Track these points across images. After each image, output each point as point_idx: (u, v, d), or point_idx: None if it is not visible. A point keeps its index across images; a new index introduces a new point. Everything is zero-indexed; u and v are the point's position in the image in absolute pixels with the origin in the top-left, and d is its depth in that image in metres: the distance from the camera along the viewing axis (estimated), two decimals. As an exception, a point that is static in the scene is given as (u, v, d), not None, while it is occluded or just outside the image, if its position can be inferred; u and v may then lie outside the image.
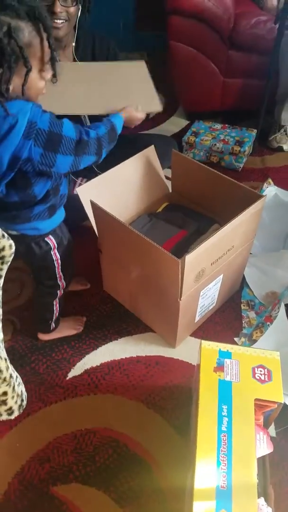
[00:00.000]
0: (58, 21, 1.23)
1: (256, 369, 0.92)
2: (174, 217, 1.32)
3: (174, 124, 2.20)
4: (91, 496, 0.97)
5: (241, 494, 0.75)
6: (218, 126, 2.00)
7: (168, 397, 1.14)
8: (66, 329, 1.28)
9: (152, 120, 2.20)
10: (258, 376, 0.91)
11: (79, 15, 1.30)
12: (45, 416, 1.11)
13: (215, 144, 1.88)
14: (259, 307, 1.36)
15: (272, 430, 1.09)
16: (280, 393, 0.87)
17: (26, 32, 0.70)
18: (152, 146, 1.28)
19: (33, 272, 1.13)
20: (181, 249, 1.26)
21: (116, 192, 1.24)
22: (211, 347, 0.96)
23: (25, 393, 1.03)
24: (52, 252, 1.03)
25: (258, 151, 2.02)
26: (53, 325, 1.22)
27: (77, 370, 1.20)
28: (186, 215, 1.34)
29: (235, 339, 1.28)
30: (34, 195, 0.90)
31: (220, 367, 0.92)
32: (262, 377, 0.91)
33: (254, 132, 1.94)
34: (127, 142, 1.53)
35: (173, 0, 1.77)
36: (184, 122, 2.21)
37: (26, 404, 1.06)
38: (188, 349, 1.25)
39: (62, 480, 1.00)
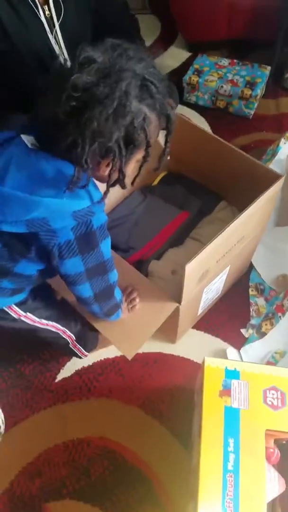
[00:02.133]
0: None
1: (268, 392, 0.80)
2: (173, 193, 1.12)
3: (173, 57, 1.86)
4: (86, 513, 0.92)
5: None
6: (225, 62, 1.68)
7: (168, 401, 1.05)
8: (107, 341, 1.08)
9: (148, 49, 1.88)
10: (270, 400, 0.79)
11: None
12: (34, 425, 1.02)
13: (222, 86, 1.59)
14: (269, 292, 1.21)
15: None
16: (295, 423, 0.76)
17: (153, 125, 0.61)
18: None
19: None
20: (183, 234, 1.08)
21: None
22: (216, 366, 0.83)
23: (2, 417, 0.93)
24: (16, 316, 0.79)
25: (272, 92, 1.72)
26: (86, 354, 1.05)
27: (66, 371, 1.09)
28: (187, 189, 1.13)
29: (242, 330, 1.15)
30: (12, 268, 0.68)
31: (226, 391, 0.80)
32: (275, 402, 0.79)
33: (267, 70, 1.63)
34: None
35: None
36: (184, 54, 1.87)
37: (4, 427, 0.97)
38: (189, 344, 1.13)
39: (54, 496, 0.94)
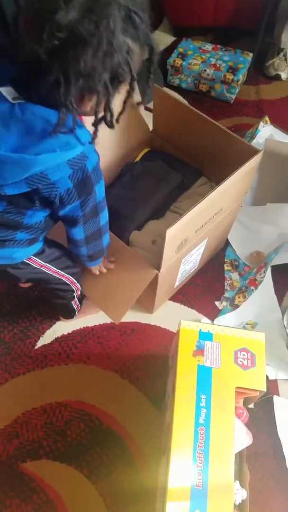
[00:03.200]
0: None
1: (238, 353, 0.85)
2: (154, 169, 1.15)
3: (158, 41, 1.87)
4: (62, 472, 0.95)
5: (217, 494, 0.71)
6: (209, 46, 1.71)
7: (144, 367, 1.09)
8: (89, 310, 1.15)
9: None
10: (240, 361, 0.84)
11: None
12: (13, 389, 1.04)
13: (205, 70, 1.62)
14: (243, 267, 1.27)
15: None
16: (263, 380, 0.81)
17: (136, 57, 0.59)
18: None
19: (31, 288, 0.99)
20: (164, 207, 1.11)
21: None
22: (191, 328, 0.87)
23: None
24: (39, 267, 0.84)
25: (253, 79, 1.77)
26: (76, 314, 1.10)
27: (46, 338, 1.12)
28: (168, 164, 1.16)
29: (216, 303, 1.20)
30: (21, 220, 0.70)
31: (199, 351, 0.84)
32: (245, 362, 0.83)
33: (249, 57, 1.68)
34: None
35: None
36: (169, 39, 1.89)
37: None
38: (166, 315, 1.17)
39: (32, 456, 0.96)
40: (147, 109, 1.16)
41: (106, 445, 0.98)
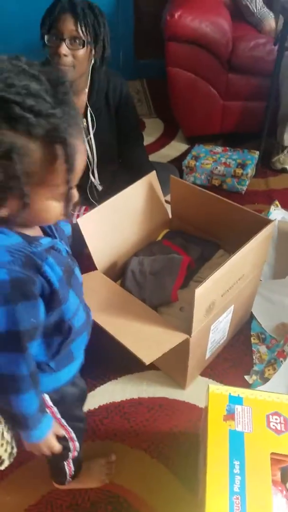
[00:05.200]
0: (64, 65, 1.16)
1: (271, 417, 0.82)
2: (175, 246, 1.25)
3: (174, 149, 2.15)
4: None
5: None
6: (219, 149, 1.95)
7: (173, 445, 1.04)
8: (89, 480, 0.97)
9: (153, 144, 2.18)
10: (273, 425, 0.81)
11: (92, 60, 1.24)
12: (39, 466, 1.00)
13: (217, 168, 1.82)
14: (270, 340, 1.27)
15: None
16: (299, 445, 0.77)
17: (34, 157, 0.48)
18: (154, 172, 1.22)
19: None
20: (187, 278, 1.18)
21: (116, 221, 1.16)
22: (220, 392, 0.86)
23: (15, 440, 0.93)
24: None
25: (261, 173, 1.96)
26: (69, 480, 0.94)
27: (73, 414, 1.10)
28: (187, 240, 1.26)
29: (246, 377, 1.18)
30: None
31: (230, 415, 0.82)
32: (278, 427, 0.81)
33: (256, 154, 1.89)
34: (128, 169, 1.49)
35: (170, 27, 1.75)
36: (184, 147, 2.16)
37: (16, 452, 0.96)
38: (194, 390, 1.15)
39: None
40: (167, 202, 1.32)
41: (136, 532, 0.90)
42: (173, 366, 1.15)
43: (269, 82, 1.71)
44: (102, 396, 1.13)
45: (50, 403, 0.71)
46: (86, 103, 1.33)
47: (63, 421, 0.76)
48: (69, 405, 0.76)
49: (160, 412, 1.11)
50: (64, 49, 1.14)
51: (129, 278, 1.15)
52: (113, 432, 1.07)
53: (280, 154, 1.96)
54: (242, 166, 1.81)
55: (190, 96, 1.95)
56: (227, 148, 1.95)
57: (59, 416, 0.75)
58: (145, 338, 0.96)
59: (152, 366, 1.20)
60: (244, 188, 1.84)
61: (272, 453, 0.77)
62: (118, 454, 1.02)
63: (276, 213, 1.64)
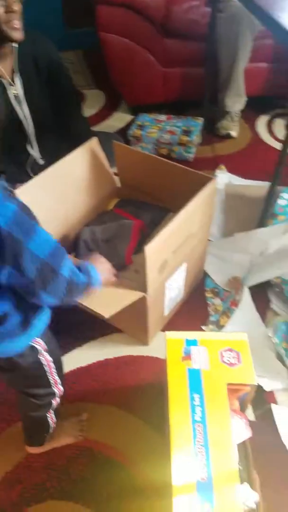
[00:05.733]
0: (17, 21, 1.13)
1: (224, 352, 0.89)
2: (125, 213, 1.28)
3: (118, 120, 2.15)
4: (69, 510, 0.91)
5: (223, 484, 0.71)
6: (163, 117, 1.98)
7: (141, 396, 1.10)
8: (64, 437, 1.01)
9: (95, 117, 2.17)
10: (227, 359, 0.88)
11: None
12: (11, 436, 1.03)
13: (162, 136, 1.86)
14: (224, 293, 1.34)
15: (251, 414, 1.06)
16: (251, 374, 0.85)
17: None
18: (95, 138, 1.23)
19: (15, 385, 0.84)
20: (141, 243, 1.22)
21: (60, 191, 1.17)
22: (177, 338, 0.92)
23: None
24: (40, 356, 0.75)
25: (207, 140, 2.01)
26: (47, 437, 0.96)
27: (41, 382, 1.13)
28: (137, 207, 1.30)
29: (203, 327, 1.25)
30: None
31: (187, 356, 0.89)
32: (232, 361, 0.88)
33: (200, 121, 1.93)
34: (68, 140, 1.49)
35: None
36: (128, 117, 2.17)
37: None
38: (157, 344, 1.21)
39: (36, 499, 0.93)
40: (116, 174, 1.34)
41: (111, 476, 0.95)
42: (134, 325, 1.20)
43: (206, 46, 1.74)
44: (68, 363, 1.16)
45: (45, 352, 0.75)
46: (12, 69, 1.30)
47: (52, 365, 0.79)
48: (53, 345, 0.79)
49: (126, 369, 1.16)
50: (16, 4, 1.11)
51: (82, 247, 1.18)
52: (82, 394, 1.11)
53: (223, 120, 2.01)
54: (187, 133, 1.86)
55: (128, 64, 1.94)
56: (171, 116, 1.98)
57: (50, 358, 0.78)
58: (104, 297, 0.99)
59: (115, 330, 1.25)
60: (192, 155, 1.89)
61: (229, 384, 0.84)
62: (89, 412, 1.07)
63: (222, 177, 1.71)
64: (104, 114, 2.20)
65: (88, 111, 2.20)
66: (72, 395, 1.10)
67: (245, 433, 0.83)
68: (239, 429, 0.83)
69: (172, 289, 1.16)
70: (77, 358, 1.18)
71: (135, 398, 1.09)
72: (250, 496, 0.81)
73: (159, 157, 1.18)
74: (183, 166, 1.14)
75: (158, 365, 1.16)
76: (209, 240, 1.46)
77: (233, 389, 0.86)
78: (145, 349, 1.21)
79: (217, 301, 1.33)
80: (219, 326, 1.23)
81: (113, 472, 0.96)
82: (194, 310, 1.31)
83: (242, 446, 0.90)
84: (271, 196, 1.32)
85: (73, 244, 1.22)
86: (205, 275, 1.40)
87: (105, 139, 1.36)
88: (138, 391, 1.11)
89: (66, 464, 0.98)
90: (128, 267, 1.17)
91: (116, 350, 1.20)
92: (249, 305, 1.26)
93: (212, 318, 1.28)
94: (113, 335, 1.24)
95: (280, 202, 1.34)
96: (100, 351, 1.20)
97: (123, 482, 0.94)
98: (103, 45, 1.89)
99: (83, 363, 1.17)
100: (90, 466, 0.97)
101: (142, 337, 1.21)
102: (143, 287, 1.01)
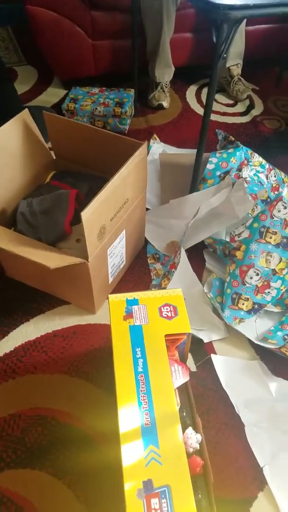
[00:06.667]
0: None
1: (162, 308, 0.94)
2: (63, 185, 1.28)
3: (52, 95, 2.11)
4: (27, 477, 0.93)
5: (165, 426, 0.77)
6: (96, 90, 1.96)
7: (91, 361, 1.13)
8: None
9: (28, 93, 2.11)
10: (165, 314, 0.93)
11: None
12: None
13: (96, 108, 1.85)
14: (164, 258, 1.40)
15: (192, 366, 1.13)
16: (186, 324, 0.91)
17: None
18: (26, 109, 1.21)
19: None
20: (79, 212, 1.22)
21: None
22: (119, 299, 0.96)
23: None
24: None
25: (141, 111, 2.03)
26: None
27: (-11, 359, 1.13)
28: (75, 178, 1.30)
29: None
30: None
31: (129, 315, 0.93)
32: (169, 314, 0.93)
33: (132, 92, 1.94)
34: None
35: None
36: (62, 92, 2.13)
37: None
38: (104, 312, 1.24)
39: (-7, 471, 0.94)
40: (50, 149, 1.32)
41: (67, 440, 0.99)
42: (80, 295, 1.22)
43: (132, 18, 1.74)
44: (16, 338, 1.17)
45: None
46: None
47: None
48: None
49: (75, 338, 1.18)
50: None
51: (20, 220, 1.17)
52: (32, 366, 1.12)
53: (155, 91, 2.03)
54: (120, 104, 1.86)
55: (56, 37, 1.89)
56: (104, 88, 1.97)
57: None
58: (48, 256, 1.01)
59: (62, 302, 1.26)
60: (126, 127, 1.90)
61: (166, 335, 0.89)
62: (41, 383, 1.09)
63: (156, 146, 1.74)
64: (37, 90, 2.15)
65: (21, 87, 2.13)
66: (23, 368, 1.12)
67: (183, 378, 0.90)
68: (178, 375, 0.89)
69: (114, 256, 1.19)
70: (24, 333, 1.19)
71: (86, 364, 1.12)
72: (193, 437, 0.87)
73: (90, 126, 1.18)
74: (114, 133, 1.16)
75: (106, 331, 1.20)
76: (148, 209, 1.50)
77: (171, 339, 0.91)
78: (93, 317, 1.23)
79: (158, 265, 1.38)
80: (161, 288, 1.28)
81: (68, 435, 0.99)
82: (138, 277, 1.35)
83: (185, 393, 0.97)
84: (199, 162, 1.38)
85: (12, 218, 1.21)
86: (146, 242, 1.44)
87: (39, 114, 1.33)
88: (88, 357, 1.14)
89: (21, 434, 1.00)
90: (69, 237, 1.18)
91: (64, 321, 1.22)
92: (186, 266, 1.32)
93: (154, 282, 1.33)
94: (61, 307, 1.26)
95: (209, 166, 1.39)
96: (47, 324, 1.22)
97: (78, 443, 0.98)
98: (31, 19, 1.83)
99: (31, 337, 1.18)
100: (46, 434, 1.00)
101: (89, 306, 1.23)
102: (84, 255, 1.03)
